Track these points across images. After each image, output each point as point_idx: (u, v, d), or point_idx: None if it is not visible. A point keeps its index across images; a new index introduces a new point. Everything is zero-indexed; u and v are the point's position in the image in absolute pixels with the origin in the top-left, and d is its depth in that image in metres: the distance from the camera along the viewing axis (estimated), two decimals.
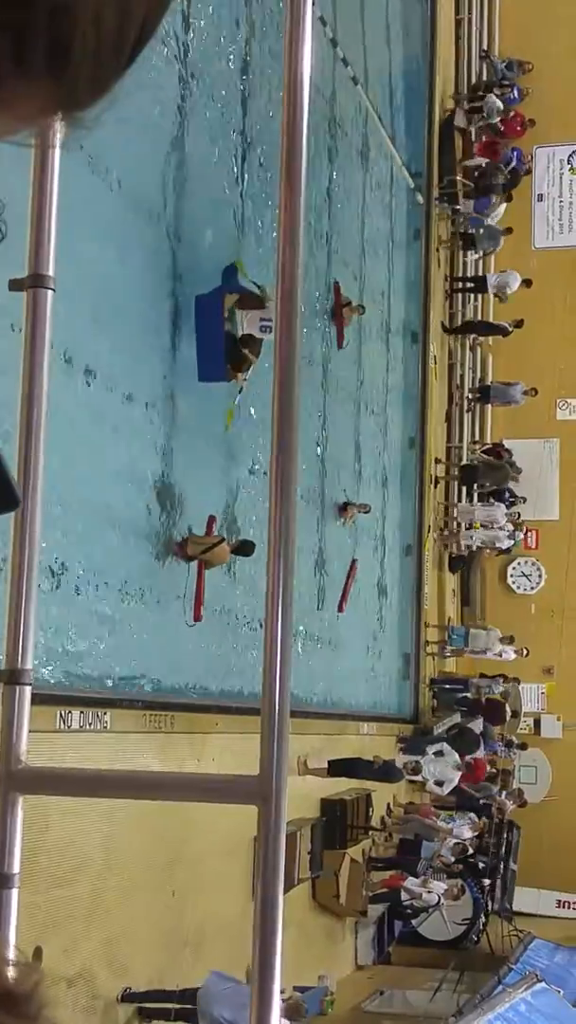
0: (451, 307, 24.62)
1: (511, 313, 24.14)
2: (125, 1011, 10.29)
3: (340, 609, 17.59)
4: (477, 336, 24.95)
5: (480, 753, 20.55)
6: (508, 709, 22.88)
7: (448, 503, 23.62)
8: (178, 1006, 10.66)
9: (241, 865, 11.58)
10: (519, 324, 23.73)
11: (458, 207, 23.46)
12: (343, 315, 17.01)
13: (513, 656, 22.95)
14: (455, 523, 23.25)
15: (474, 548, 23.46)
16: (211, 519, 12.29)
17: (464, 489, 23.74)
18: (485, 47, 26.13)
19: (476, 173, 23.83)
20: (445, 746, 18.92)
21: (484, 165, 24.11)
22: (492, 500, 23.37)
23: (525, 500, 24.37)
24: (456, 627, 23.26)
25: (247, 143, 13.77)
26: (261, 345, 12.05)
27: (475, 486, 23.60)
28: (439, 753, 18.79)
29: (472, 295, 25.19)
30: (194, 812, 11.03)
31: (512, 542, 23.59)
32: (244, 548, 11.92)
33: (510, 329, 23.80)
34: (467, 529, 23.02)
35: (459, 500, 23.71)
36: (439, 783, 18.45)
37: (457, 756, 18.72)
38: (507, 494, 23.81)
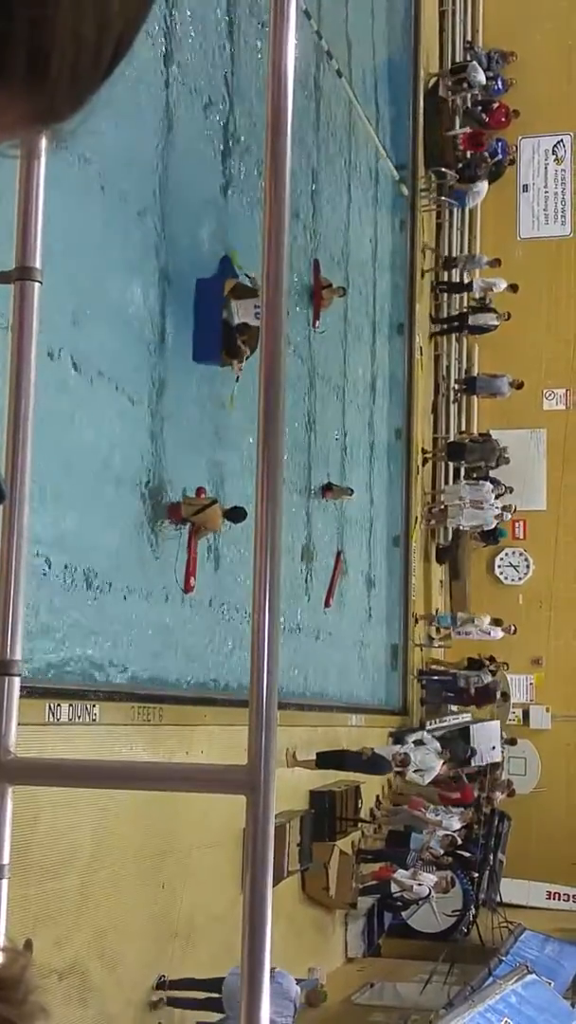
0: (437, 298, 24.64)
1: (498, 305, 24.18)
2: (118, 1002, 10.31)
3: (326, 604, 17.61)
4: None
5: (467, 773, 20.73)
6: (498, 692, 22.97)
7: (435, 491, 23.64)
8: (205, 995, 10.85)
9: (231, 857, 11.61)
10: (507, 317, 23.76)
11: (444, 178, 23.41)
12: (323, 296, 16.93)
13: (500, 635, 23.03)
14: (442, 505, 23.23)
15: (461, 528, 23.43)
16: (200, 489, 12.39)
17: (451, 467, 23.74)
18: (469, 38, 26.13)
19: (460, 164, 23.83)
20: (425, 734, 18.95)
21: (469, 155, 24.13)
22: (478, 480, 23.38)
23: (512, 490, 24.42)
24: (443, 615, 23.31)
25: (233, 135, 13.76)
26: (258, 335, 12.06)
27: (462, 464, 23.61)
28: (419, 742, 18.82)
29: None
30: (184, 805, 11.06)
31: (498, 522, 23.60)
32: (235, 513, 12.01)
33: (498, 324, 23.83)
34: (454, 508, 23.02)
35: (446, 483, 23.75)
36: (419, 771, 18.42)
37: (438, 744, 18.75)
38: (493, 484, 23.89)
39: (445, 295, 24.78)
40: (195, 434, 12.71)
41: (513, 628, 23.27)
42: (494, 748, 22.41)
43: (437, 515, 23.17)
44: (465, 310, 24.45)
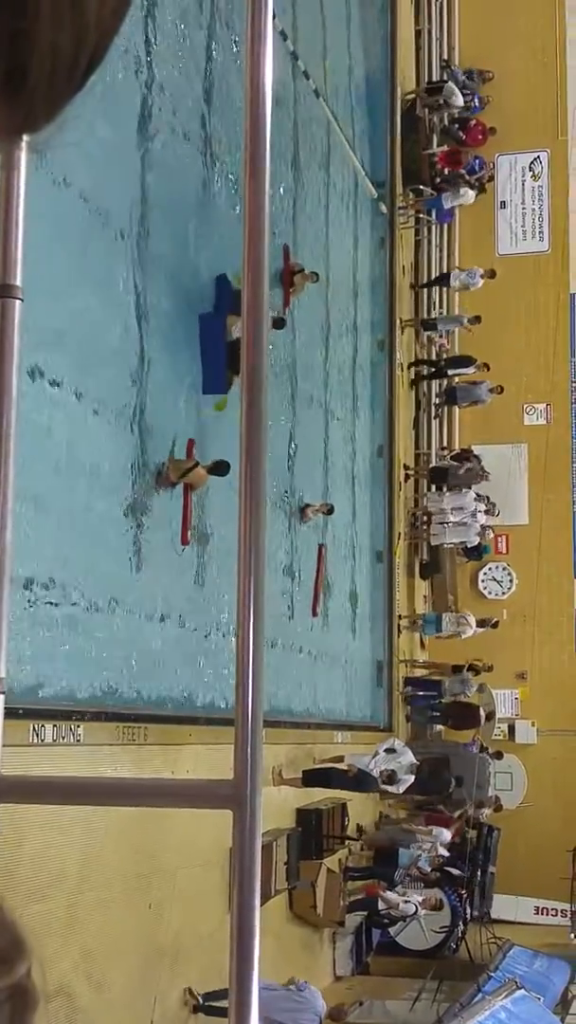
0: (416, 312, 24.75)
1: (475, 349, 24.35)
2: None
3: (314, 613, 17.59)
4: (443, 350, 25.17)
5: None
6: (483, 712, 22.92)
7: (418, 502, 23.63)
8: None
9: (218, 877, 11.57)
10: (477, 319, 23.88)
11: (421, 196, 23.55)
12: (294, 282, 16.87)
13: (476, 630, 23.19)
14: (424, 517, 23.23)
15: (444, 545, 23.45)
16: (191, 442, 12.61)
17: (433, 488, 23.84)
18: (445, 57, 26.30)
19: (439, 180, 23.96)
20: (397, 742, 18.82)
21: (447, 172, 24.27)
22: (461, 489, 23.45)
23: (495, 505, 24.49)
24: (428, 613, 23.29)
25: (212, 154, 13.80)
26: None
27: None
28: (390, 750, 18.68)
29: (437, 303, 25.33)
30: (171, 824, 11.02)
31: (480, 539, 23.63)
32: (218, 468, 12.18)
33: (468, 319, 23.94)
34: (437, 524, 23.03)
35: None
36: (396, 783, 18.16)
37: (411, 754, 18.63)
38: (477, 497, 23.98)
39: (425, 291, 24.89)
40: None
41: (496, 621, 23.53)
42: (479, 788, 21.91)
43: (420, 528, 23.18)
44: (441, 362, 24.44)
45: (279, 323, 15.27)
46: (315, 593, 17.66)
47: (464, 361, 24.09)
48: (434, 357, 25.06)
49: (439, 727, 23.74)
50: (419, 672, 23.34)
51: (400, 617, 22.10)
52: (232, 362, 12.66)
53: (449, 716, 22.74)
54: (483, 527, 23.43)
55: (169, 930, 11.42)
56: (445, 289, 25.45)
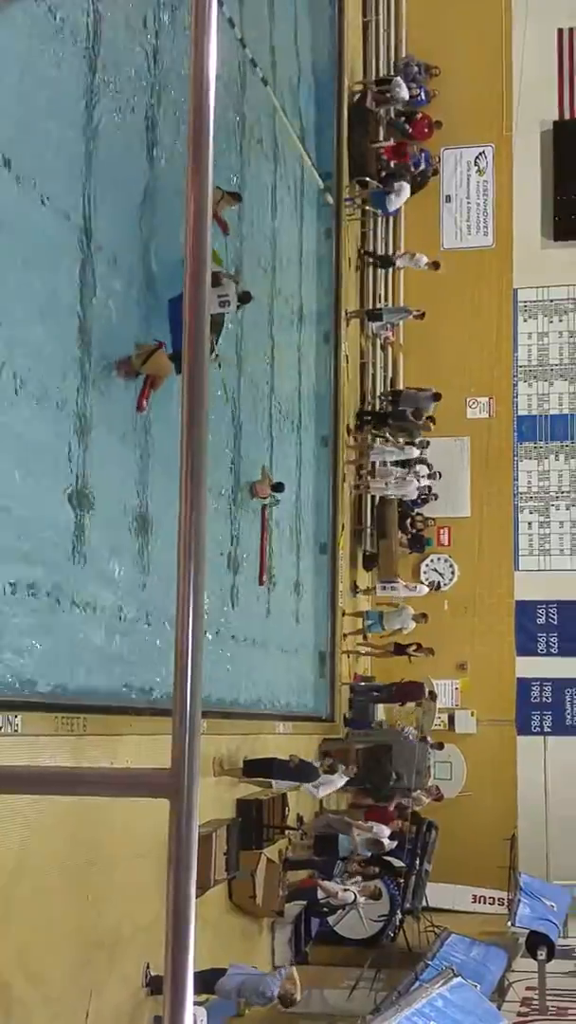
0: (362, 301, 24.79)
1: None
2: (44, 1018, 10.19)
3: (260, 581, 17.54)
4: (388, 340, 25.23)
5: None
6: (426, 689, 23.12)
7: (362, 451, 23.66)
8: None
9: (157, 867, 11.49)
10: (421, 315, 23.98)
11: (367, 188, 23.65)
12: (215, 209, 16.66)
13: (426, 591, 23.92)
14: (369, 465, 23.40)
15: (389, 496, 23.61)
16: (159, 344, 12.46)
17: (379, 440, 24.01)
18: (392, 50, 26.33)
19: (384, 174, 24.00)
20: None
21: (393, 166, 24.31)
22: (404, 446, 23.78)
23: (437, 497, 24.66)
24: (371, 611, 23.43)
25: (155, 143, 13.73)
26: (222, 321, 13.26)
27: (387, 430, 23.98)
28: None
29: (383, 295, 25.39)
30: (110, 814, 10.98)
31: (420, 495, 24.02)
32: (277, 488, 12.09)
33: (415, 313, 24.05)
34: (379, 477, 23.22)
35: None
36: (316, 785, 18.01)
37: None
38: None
39: (371, 282, 24.97)
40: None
41: (435, 586, 24.18)
42: (419, 773, 22.08)
43: (364, 480, 23.28)
44: (386, 409, 24.48)
45: (246, 297, 14.69)
46: (261, 561, 17.61)
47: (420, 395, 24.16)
48: (379, 350, 25.18)
49: (380, 717, 23.89)
50: (363, 650, 23.50)
51: (344, 613, 22.19)
52: None
53: (394, 690, 22.89)
54: (424, 488, 23.86)
55: (107, 921, 11.39)
56: (390, 275, 25.53)
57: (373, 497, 23.90)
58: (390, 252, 25.62)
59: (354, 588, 23.34)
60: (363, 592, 23.83)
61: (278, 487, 17.81)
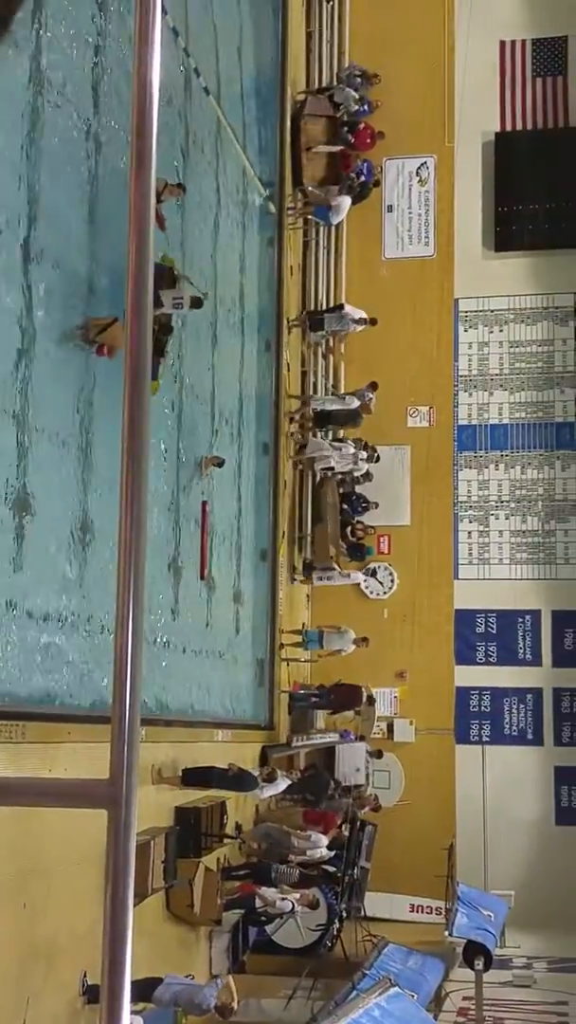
0: (304, 308, 24.79)
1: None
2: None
3: (201, 576, 17.51)
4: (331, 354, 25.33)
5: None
6: (364, 693, 23.17)
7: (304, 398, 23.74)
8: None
9: (96, 876, 11.45)
10: (374, 322, 24.03)
11: (308, 193, 23.70)
12: (158, 200, 16.71)
13: (362, 579, 24.50)
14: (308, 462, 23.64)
15: (333, 472, 23.65)
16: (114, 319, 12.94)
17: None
18: (335, 60, 26.44)
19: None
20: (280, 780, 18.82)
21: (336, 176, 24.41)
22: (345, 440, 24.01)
23: (377, 505, 24.74)
24: (310, 630, 23.45)
25: (98, 149, 13.68)
26: (170, 322, 14.36)
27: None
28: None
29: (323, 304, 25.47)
30: (48, 821, 10.89)
31: (359, 473, 24.12)
32: None
33: (369, 321, 24.09)
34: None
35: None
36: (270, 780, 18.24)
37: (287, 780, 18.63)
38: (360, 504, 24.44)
39: (312, 289, 25.02)
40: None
41: (372, 570, 24.61)
42: (358, 770, 22.54)
43: (301, 454, 23.42)
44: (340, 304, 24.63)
45: (197, 302, 15.31)
46: (202, 554, 17.57)
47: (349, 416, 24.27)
48: (320, 359, 25.20)
49: (319, 723, 23.93)
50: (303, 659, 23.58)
51: (281, 631, 22.19)
52: (155, 347, 12.87)
53: (332, 695, 22.90)
54: (362, 470, 24.04)
55: (44, 930, 11.29)
56: (333, 288, 25.58)
57: (314, 490, 23.95)
58: (330, 271, 25.60)
59: (292, 574, 23.35)
60: (301, 582, 23.84)
61: (220, 463, 18.17)
